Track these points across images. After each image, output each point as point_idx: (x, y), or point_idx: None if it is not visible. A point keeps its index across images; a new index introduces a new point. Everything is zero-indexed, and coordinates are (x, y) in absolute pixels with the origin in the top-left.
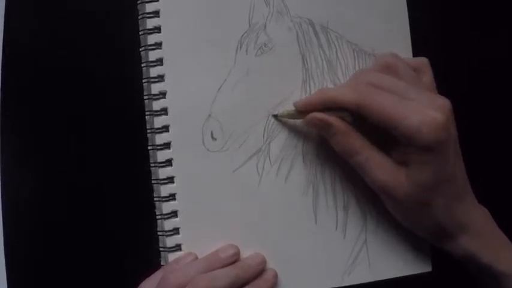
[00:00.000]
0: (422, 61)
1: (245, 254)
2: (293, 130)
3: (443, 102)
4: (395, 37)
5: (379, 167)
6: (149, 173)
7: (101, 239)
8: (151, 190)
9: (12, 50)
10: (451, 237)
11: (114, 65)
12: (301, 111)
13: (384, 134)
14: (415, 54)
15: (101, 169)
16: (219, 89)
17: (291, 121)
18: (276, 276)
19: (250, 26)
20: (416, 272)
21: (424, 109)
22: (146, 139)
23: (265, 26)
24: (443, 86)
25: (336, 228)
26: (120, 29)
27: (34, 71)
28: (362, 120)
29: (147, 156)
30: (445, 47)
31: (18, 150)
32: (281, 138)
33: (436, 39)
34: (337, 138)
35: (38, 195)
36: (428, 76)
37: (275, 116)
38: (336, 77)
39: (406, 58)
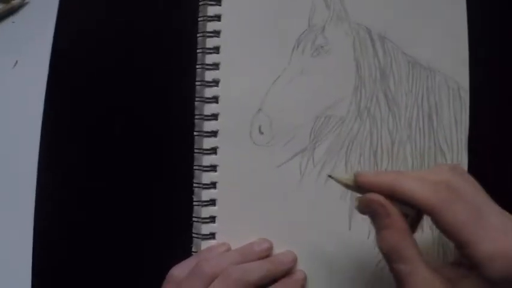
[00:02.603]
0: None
1: (277, 250)
2: (339, 135)
3: None
4: (453, 53)
5: (424, 283)
6: (190, 159)
7: (132, 223)
8: (189, 177)
9: (59, 53)
10: None
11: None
12: (362, 185)
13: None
14: (472, 72)
15: (140, 153)
16: (272, 84)
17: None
18: (305, 279)
19: (309, 26)
20: None
21: (502, 236)
22: (191, 126)
23: (323, 29)
24: (501, 108)
25: (368, 237)
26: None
27: (80, 72)
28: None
29: (190, 144)
30: (504, 65)
31: (57, 149)
32: (327, 141)
33: (494, 58)
34: (387, 234)
35: (77, 167)
36: (481, 188)
37: (330, 177)
38: (388, 87)
39: None
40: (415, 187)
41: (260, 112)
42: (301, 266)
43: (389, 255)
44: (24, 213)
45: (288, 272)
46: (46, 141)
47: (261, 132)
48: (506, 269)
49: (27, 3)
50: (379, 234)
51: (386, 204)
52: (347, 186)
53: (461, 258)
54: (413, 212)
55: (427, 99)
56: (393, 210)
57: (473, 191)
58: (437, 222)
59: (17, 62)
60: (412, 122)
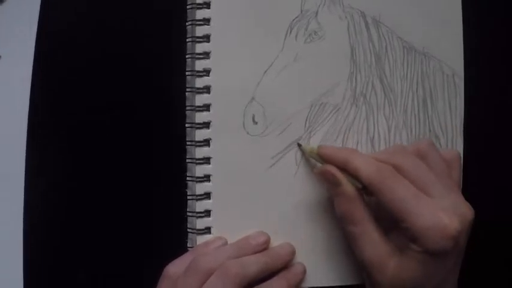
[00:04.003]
0: (454, 155)
1: (274, 243)
2: (335, 123)
3: (466, 211)
4: (448, 39)
5: (372, 244)
6: (182, 152)
7: (125, 219)
8: (183, 171)
9: (44, 48)
10: None
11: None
12: (322, 156)
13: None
14: (466, 58)
15: (132, 146)
16: (265, 72)
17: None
18: (304, 272)
19: (301, 11)
20: None
21: (440, 213)
22: (183, 118)
23: (316, 14)
24: (496, 90)
25: None
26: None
27: (65, 66)
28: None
29: (182, 137)
30: (498, 52)
31: (44, 145)
32: (323, 129)
33: (488, 43)
34: (340, 200)
35: (63, 166)
36: (456, 172)
37: (299, 145)
38: (383, 73)
39: (440, 149)
40: (361, 165)
41: (253, 101)
42: (299, 258)
43: (342, 219)
44: (14, 214)
45: (286, 265)
46: (33, 139)
47: (254, 122)
48: (440, 241)
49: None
50: (334, 202)
51: (338, 175)
52: (311, 156)
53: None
54: (359, 186)
55: (422, 85)
56: (343, 180)
57: (419, 171)
58: (378, 198)
59: (0, 57)
60: (407, 108)
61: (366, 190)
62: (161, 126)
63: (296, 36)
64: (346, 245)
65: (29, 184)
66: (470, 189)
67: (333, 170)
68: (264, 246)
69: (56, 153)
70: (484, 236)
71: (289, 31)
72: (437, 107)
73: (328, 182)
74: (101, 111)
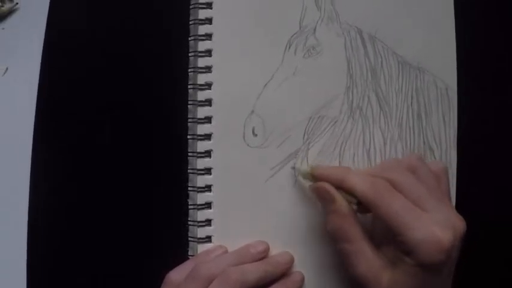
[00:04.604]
0: (441, 167)
1: (273, 252)
2: (332, 135)
3: (458, 224)
4: (441, 54)
5: (365, 260)
6: (183, 163)
7: (124, 234)
8: (184, 181)
9: (50, 60)
10: None
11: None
12: (315, 176)
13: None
14: (459, 72)
15: (134, 156)
16: (265, 86)
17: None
18: (303, 280)
19: (300, 28)
20: None
21: (434, 226)
22: (185, 129)
23: (315, 30)
24: (489, 103)
25: None
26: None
27: (71, 79)
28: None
29: (184, 148)
30: (490, 65)
31: (49, 155)
32: (321, 141)
33: (481, 57)
34: (333, 218)
35: (69, 174)
36: (445, 184)
37: (293, 168)
38: (379, 87)
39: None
40: (357, 182)
41: (253, 114)
42: (297, 267)
43: (335, 236)
44: (18, 216)
45: (285, 273)
46: (38, 148)
47: (254, 134)
48: (434, 254)
49: (16, 9)
50: (327, 218)
51: (332, 191)
52: (306, 178)
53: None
54: (354, 202)
55: (417, 99)
56: (338, 196)
57: (413, 186)
58: (374, 212)
59: (7, 69)
60: (402, 121)
61: (360, 207)
62: (161, 127)
63: (295, 51)
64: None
65: (33, 185)
66: (462, 200)
67: (327, 186)
68: (264, 255)
69: (57, 154)
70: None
71: (288, 46)
72: (432, 120)
73: (323, 199)
74: (103, 120)
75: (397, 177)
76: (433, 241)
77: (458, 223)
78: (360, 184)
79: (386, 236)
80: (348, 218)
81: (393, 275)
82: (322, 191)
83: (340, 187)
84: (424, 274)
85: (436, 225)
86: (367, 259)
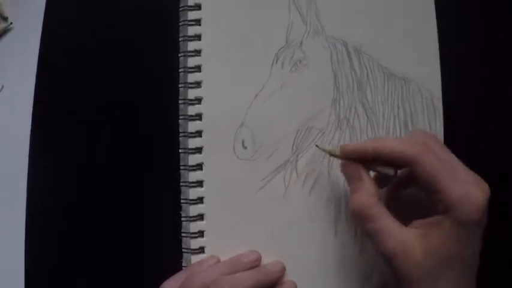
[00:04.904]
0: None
1: (265, 261)
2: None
3: (486, 187)
4: (425, 64)
5: (393, 236)
6: (174, 177)
7: (121, 238)
8: (174, 194)
9: (44, 78)
10: None
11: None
12: (348, 154)
13: (411, 202)
14: (444, 83)
15: (129, 170)
16: (254, 99)
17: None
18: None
19: (287, 42)
20: None
21: (470, 186)
22: (177, 143)
23: (301, 43)
24: (472, 116)
25: (355, 242)
26: (158, 39)
27: (66, 96)
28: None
29: (175, 160)
30: (474, 73)
31: (45, 172)
32: (309, 152)
33: (464, 66)
34: (359, 195)
35: (62, 190)
36: None
37: (317, 146)
38: (365, 98)
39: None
40: (395, 144)
41: (242, 126)
42: (290, 275)
43: (360, 216)
44: (16, 216)
45: (277, 282)
46: (34, 165)
47: (244, 147)
48: (473, 212)
49: (11, 29)
50: (351, 197)
51: (361, 169)
52: (333, 155)
53: (434, 206)
54: (393, 171)
55: (403, 108)
56: (366, 175)
57: (443, 149)
58: (416, 171)
59: (2, 86)
60: (389, 130)
61: (395, 175)
62: (162, 127)
63: (282, 64)
64: (336, 263)
65: (31, 184)
66: None
67: (357, 164)
68: (256, 264)
69: (54, 156)
70: None
71: (275, 60)
72: (418, 128)
73: (351, 177)
74: (96, 135)
75: (430, 141)
76: (472, 198)
77: (486, 186)
78: (398, 145)
79: (413, 210)
80: (372, 196)
81: (427, 243)
82: (351, 169)
83: (378, 155)
84: (461, 233)
85: (472, 185)
86: (395, 234)
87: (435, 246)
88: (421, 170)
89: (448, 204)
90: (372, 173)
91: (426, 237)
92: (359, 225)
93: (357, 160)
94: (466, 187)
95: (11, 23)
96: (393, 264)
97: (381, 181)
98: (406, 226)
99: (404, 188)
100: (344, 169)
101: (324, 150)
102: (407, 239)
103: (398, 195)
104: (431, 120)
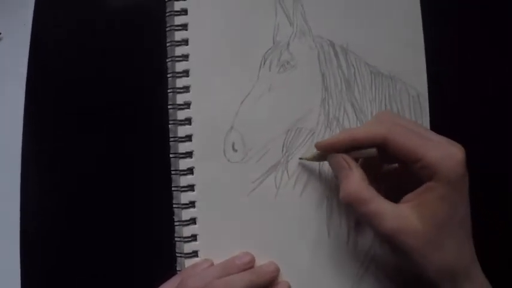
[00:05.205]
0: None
1: (259, 263)
2: (311, 147)
3: (460, 146)
4: (411, 63)
5: (389, 214)
6: (165, 181)
7: (115, 243)
8: (168, 198)
9: (34, 88)
10: (454, 281)
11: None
12: (324, 151)
13: (397, 179)
14: (430, 80)
15: (121, 174)
16: (242, 102)
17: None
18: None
19: (274, 43)
20: None
21: (445, 145)
22: (166, 147)
23: (288, 45)
24: (457, 113)
25: (348, 242)
26: (148, 41)
27: (56, 105)
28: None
29: (166, 165)
30: (459, 73)
31: (40, 155)
32: (300, 153)
33: (450, 65)
34: (350, 182)
35: (55, 197)
36: None
37: (300, 159)
38: (353, 97)
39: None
40: (364, 129)
41: (232, 130)
42: (283, 276)
43: (353, 201)
44: (11, 217)
45: (271, 283)
46: (28, 167)
47: (234, 150)
48: (456, 167)
49: (0, 39)
50: (341, 186)
51: (347, 158)
52: (314, 159)
53: (418, 175)
54: (373, 151)
55: (390, 106)
56: (353, 163)
57: (410, 122)
58: (392, 148)
59: None
60: None
61: (378, 155)
62: (147, 156)
63: (270, 66)
64: (329, 263)
65: (25, 184)
66: None
67: (344, 155)
68: (249, 266)
69: (50, 157)
70: None
71: (263, 62)
72: None
73: (341, 168)
74: (89, 141)
75: (396, 117)
76: (452, 155)
77: (460, 146)
78: (367, 128)
79: (401, 186)
80: (361, 182)
81: (423, 211)
82: (340, 160)
83: (351, 144)
84: (451, 193)
85: (447, 145)
86: (391, 212)
87: (431, 212)
88: (395, 145)
89: (430, 168)
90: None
91: (420, 206)
92: (353, 211)
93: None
94: (442, 148)
95: (0, 33)
96: (394, 242)
97: (365, 169)
98: (398, 201)
99: (387, 170)
100: (332, 160)
101: (307, 159)
102: (403, 214)
103: (383, 178)
104: (417, 118)
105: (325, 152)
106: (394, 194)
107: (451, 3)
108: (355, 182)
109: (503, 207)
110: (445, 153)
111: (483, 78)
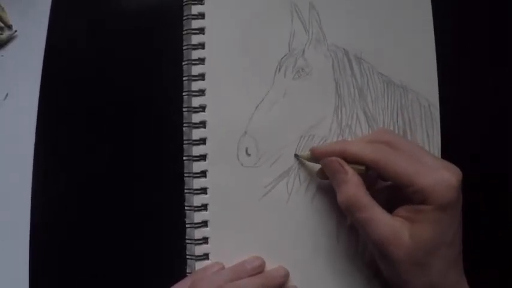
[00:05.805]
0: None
1: (269, 267)
2: None
3: (456, 169)
4: (423, 73)
5: (382, 223)
6: (176, 183)
7: (125, 243)
8: (179, 200)
9: (49, 85)
10: None
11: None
12: (317, 158)
13: (391, 192)
14: (441, 92)
15: (132, 175)
16: (257, 107)
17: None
18: None
19: (289, 50)
20: None
21: (439, 171)
22: (180, 149)
23: (303, 52)
24: (468, 118)
25: (357, 249)
26: (163, 44)
27: (70, 103)
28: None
29: (177, 167)
30: (470, 82)
31: (52, 154)
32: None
33: (461, 75)
34: (346, 187)
35: (66, 197)
36: None
37: (296, 156)
38: (366, 105)
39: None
40: (359, 149)
41: (246, 135)
42: (293, 281)
43: (349, 207)
44: (21, 216)
45: (281, 287)
46: (39, 172)
47: (248, 154)
48: (448, 194)
49: (15, 37)
50: (339, 190)
51: (344, 163)
52: (308, 160)
53: (411, 197)
54: (362, 169)
55: (402, 116)
56: (349, 168)
57: (408, 144)
58: (383, 172)
59: (7, 94)
60: None
61: (367, 172)
62: (161, 157)
63: (285, 73)
64: (338, 270)
65: (35, 190)
66: None
67: (339, 159)
68: (259, 270)
69: (61, 160)
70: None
71: (278, 68)
72: (416, 136)
73: (335, 172)
74: (102, 146)
75: (393, 138)
76: (444, 181)
77: (456, 168)
78: (362, 150)
79: (394, 199)
80: (359, 187)
81: (413, 229)
82: (335, 163)
83: (343, 157)
84: (443, 216)
85: (441, 170)
86: (385, 222)
87: (420, 233)
88: (386, 172)
89: (422, 193)
90: None
91: (411, 223)
92: (349, 215)
93: None
94: (435, 173)
95: (16, 31)
96: (385, 251)
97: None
98: (392, 212)
99: (382, 180)
100: (327, 164)
101: (302, 157)
102: (396, 226)
103: (377, 187)
104: (428, 128)
105: (318, 159)
106: (386, 203)
107: (463, 15)
108: (354, 187)
109: (503, 207)
110: (438, 179)
111: (499, 88)
